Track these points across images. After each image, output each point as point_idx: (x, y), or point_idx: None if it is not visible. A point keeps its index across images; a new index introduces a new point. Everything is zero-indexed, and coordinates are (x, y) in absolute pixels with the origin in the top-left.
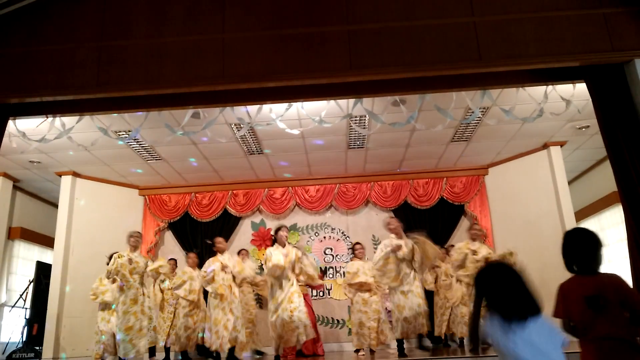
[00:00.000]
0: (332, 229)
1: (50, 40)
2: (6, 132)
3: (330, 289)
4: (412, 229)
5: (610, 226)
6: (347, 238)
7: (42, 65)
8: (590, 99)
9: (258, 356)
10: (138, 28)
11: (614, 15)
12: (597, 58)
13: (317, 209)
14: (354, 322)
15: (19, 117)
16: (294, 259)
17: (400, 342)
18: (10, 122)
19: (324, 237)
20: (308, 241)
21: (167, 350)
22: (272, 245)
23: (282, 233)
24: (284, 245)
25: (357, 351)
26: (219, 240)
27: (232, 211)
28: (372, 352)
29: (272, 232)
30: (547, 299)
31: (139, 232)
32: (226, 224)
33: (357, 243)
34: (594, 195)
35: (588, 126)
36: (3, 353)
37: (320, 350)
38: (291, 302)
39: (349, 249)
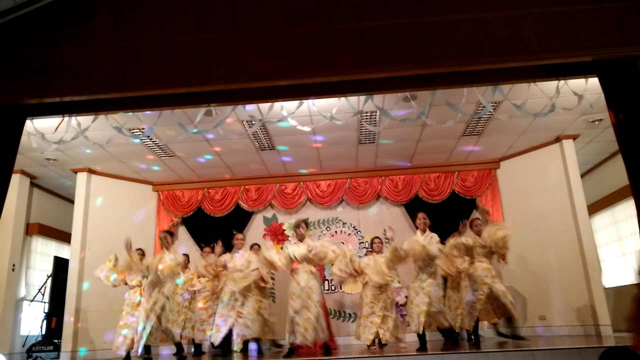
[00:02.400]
0: (344, 223)
1: (66, 42)
2: (25, 131)
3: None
4: None
5: (624, 219)
6: (359, 232)
7: (59, 66)
8: (603, 93)
9: (277, 348)
10: (151, 28)
11: (626, 9)
12: (609, 53)
13: (328, 204)
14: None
15: (36, 117)
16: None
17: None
18: (27, 122)
19: (335, 232)
20: (320, 236)
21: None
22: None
23: (300, 230)
24: (302, 241)
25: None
26: (238, 236)
27: (245, 206)
28: (382, 345)
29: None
30: (561, 293)
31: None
32: (238, 219)
33: (376, 237)
34: (607, 188)
35: (601, 119)
36: (23, 346)
37: (333, 344)
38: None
39: (360, 243)
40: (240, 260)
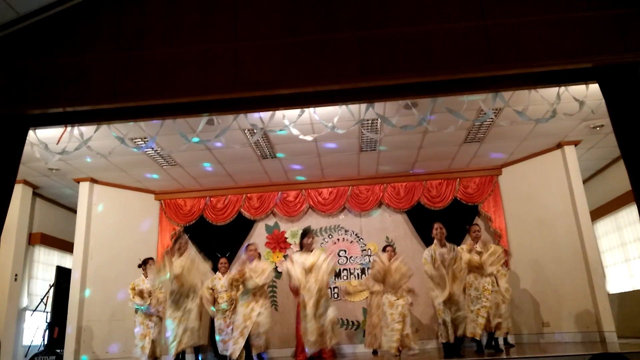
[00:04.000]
0: (346, 230)
1: (68, 52)
2: (27, 141)
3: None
4: (426, 230)
5: (627, 225)
6: (361, 240)
7: (61, 76)
8: (604, 99)
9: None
10: (152, 39)
11: (625, 15)
12: (610, 59)
13: (330, 211)
14: (374, 322)
15: (39, 128)
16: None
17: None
18: (30, 132)
19: (338, 239)
20: (322, 243)
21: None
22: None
23: (306, 240)
24: (310, 251)
25: (374, 352)
26: (250, 247)
27: (247, 214)
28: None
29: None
30: (564, 299)
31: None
32: (241, 228)
33: (388, 245)
34: (610, 193)
35: (602, 125)
36: (25, 356)
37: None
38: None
39: (362, 250)
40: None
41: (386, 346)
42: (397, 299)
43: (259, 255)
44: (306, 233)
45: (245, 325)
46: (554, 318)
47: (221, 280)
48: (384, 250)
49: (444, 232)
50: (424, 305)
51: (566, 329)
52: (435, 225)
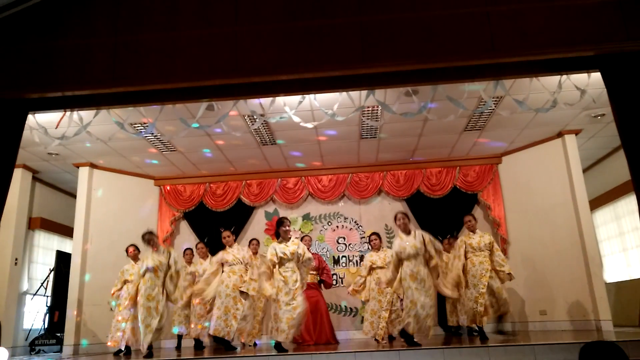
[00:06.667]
0: (345, 218)
1: (67, 36)
2: (26, 125)
3: (343, 277)
4: (425, 218)
5: (625, 215)
6: (360, 227)
7: (60, 60)
8: (605, 88)
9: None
10: (152, 22)
11: (629, 3)
12: (612, 47)
13: (329, 199)
14: (367, 309)
15: (38, 112)
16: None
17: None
18: (29, 116)
19: (337, 227)
20: (321, 230)
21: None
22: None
23: (283, 228)
24: (288, 240)
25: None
26: (225, 234)
27: (246, 201)
28: (377, 341)
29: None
30: (562, 288)
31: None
32: (240, 214)
33: (373, 233)
34: (609, 183)
35: (603, 114)
36: (26, 340)
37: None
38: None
39: (361, 237)
40: (239, 253)
41: (372, 332)
42: (387, 287)
43: (258, 243)
44: (282, 222)
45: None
46: (551, 306)
47: (202, 265)
48: (369, 240)
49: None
50: None
51: (563, 317)
52: (398, 216)
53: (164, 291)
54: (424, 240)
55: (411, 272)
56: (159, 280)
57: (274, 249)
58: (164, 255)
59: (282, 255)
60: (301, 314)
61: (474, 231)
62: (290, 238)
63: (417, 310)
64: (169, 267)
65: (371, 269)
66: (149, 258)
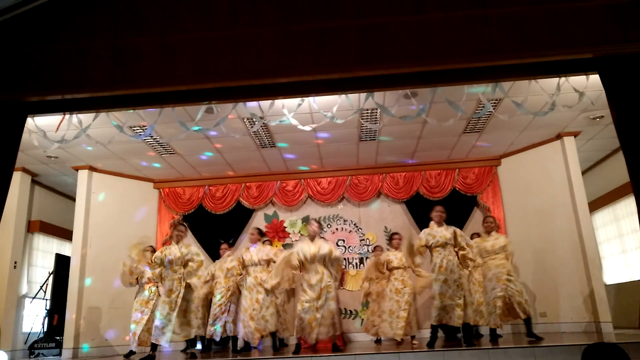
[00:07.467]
0: (344, 220)
1: (66, 39)
2: (25, 128)
3: (343, 280)
4: (425, 220)
5: (625, 216)
6: (359, 230)
7: (59, 63)
8: (604, 90)
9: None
10: (151, 25)
11: (627, 5)
12: (611, 49)
13: (329, 201)
14: (384, 309)
15: (37, 115)
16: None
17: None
18: (28, 119)
19: (336, 229)
20: (320, 233)
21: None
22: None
23: (311, 227)
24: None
25: (377, 341)
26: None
27: (246, 204)
28: (398, 342)
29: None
30: (561, 290)
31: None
32: (240, 217)
33: (396, 233)
34: (608, 185)
35: (602, 116)
36: (25, 343)
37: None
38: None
39: (360, 240)
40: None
41: (391, 333)
42: (404, 287)
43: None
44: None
45: (254, 308)
46: (551, 308)
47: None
48: (390, 239)
49: (444, 215)
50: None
51: (563, 319)
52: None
53: (184, 284)
54: (455, 233)
55: (440, 262)
56: (176, 274)
57: (297, 252)
58: (184, 249)
59: (302, 258)
60: (329, 312)
61: (490, 233)
62: (314, 238)
63: (443, 301)
64: (187, 261)
65: (388, 269)
66: (173, 250)
